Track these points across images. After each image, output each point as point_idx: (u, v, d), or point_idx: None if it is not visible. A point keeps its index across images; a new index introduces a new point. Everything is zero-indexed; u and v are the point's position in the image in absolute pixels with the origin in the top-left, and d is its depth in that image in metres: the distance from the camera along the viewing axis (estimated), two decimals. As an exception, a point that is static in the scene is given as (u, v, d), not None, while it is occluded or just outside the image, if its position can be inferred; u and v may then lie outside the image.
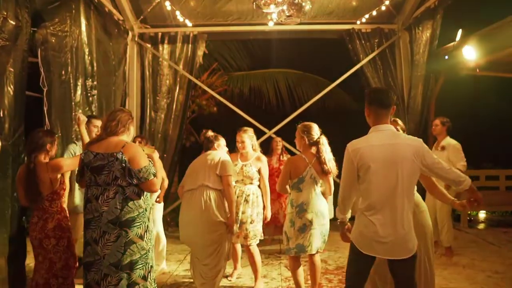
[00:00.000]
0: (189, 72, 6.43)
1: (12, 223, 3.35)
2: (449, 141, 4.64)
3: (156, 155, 2.87)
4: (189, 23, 6.26)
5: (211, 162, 3.46)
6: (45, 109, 3.99)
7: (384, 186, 2.24)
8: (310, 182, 3.30)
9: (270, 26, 5.88)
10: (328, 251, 4.98)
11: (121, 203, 2.46)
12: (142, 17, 6.35)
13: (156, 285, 2.68)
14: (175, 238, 5.27)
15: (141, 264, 2.52)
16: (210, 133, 4.04)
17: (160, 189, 2.79)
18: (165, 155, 6.20)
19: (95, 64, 5.01)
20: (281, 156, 5.61)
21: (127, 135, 2.68)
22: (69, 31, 4.39)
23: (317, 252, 3.36)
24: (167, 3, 5.85)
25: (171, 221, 6.46)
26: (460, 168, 4.29)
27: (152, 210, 3.03)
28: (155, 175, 2.56)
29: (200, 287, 3.44)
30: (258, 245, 3.91)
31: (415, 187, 2.38)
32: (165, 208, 4.84)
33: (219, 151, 3.65)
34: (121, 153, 2.47)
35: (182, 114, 6.45)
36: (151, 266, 2.60)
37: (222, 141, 3.76)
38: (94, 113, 4.78)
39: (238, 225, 3.79)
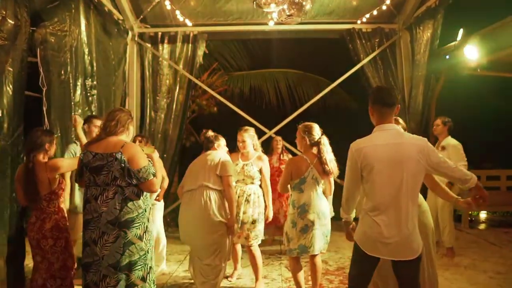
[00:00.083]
0: (189, 72, 6.42)
1: (11, 224, 3.33)
2: (449, 141, 4.62)
3: (156, 154, 2.86)
4: (189, 23, 6.25)
5: (211, 162, 3.44)
6: (44, 109, 3.98)
7: (388, 186, 2.21)
8: (311, 182, 3.28)
9: (271, 25, 5.86)
10: (328, 251, 4.95)
11: (120, 204, 2.45)
12: (142, 16, 6.33)
13: (155, 286, 2.67)
14: (175, 238, 5.25)
15: (140, 265, 2.51)
16: (210, 133, 4.02)
17: (160, 188, 2.77)
18: (165, 155, 6.18)
19: (94, 64, 4.99)
20: (281, 156, 5.60)
21: (127, 135, 2.66)
22: (69, 30, 4.37)
23: (320, 252, 3.34)
24: (167, 3, 5.84)
25: (171, 221, 6.44)
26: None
27: (152, 210, 3.02)
28: (154, 175, 2.54)
29: (200, 286, 3.42)
30: (258, 245, 3.89)
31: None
32: (165, 208, 4.82)
33: (219, 151, 3.63)
34: (120, 153, 2.45)
35: (182, 114, 6.44)
36: (150, 267, 2.58)
37: (222, 141, 3.74)
38: (93, 113, 4.76)
39: (239, 225, 3.78)
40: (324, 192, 3.43)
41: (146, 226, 2.56)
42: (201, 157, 3.59)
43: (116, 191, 2.45)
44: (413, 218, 2.25)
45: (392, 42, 6.41)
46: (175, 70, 6.43)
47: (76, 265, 3.06)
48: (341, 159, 3.52)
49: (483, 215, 7.57)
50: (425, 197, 3.04)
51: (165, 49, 6.46)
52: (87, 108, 4.77)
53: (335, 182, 3.76)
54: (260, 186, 3.98)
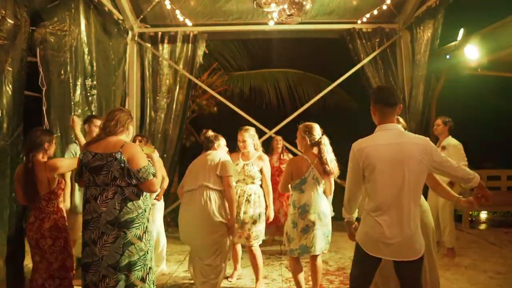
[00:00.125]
0: (189, 71, 6.41)
1: (11, 224, 3.33)
2: (449, 141, 4.61)
3: (155, 154, 2.85)
4: (189, 23, 6.24)
5: (211, 162, 3.43)
6: (44, 108, 3.97)
7: (390, 186, 2.20)
8: (312, 183, 3.28)
9: (271, 25, 5.85)
10: (329, 252, 4.91)
11: (120, 204, 2.44)
12: (142, 16, 6.32)
13: (155, 286, 2.66)
14: (175, 238, 5.24)
15: (140, 265, 2.50)
16: (210, 133, 4.01)
17: (159, 188, 2.77)
18: (165, 155, 6.17)
19: (94, 64, 4.98)
20: (281, 155, 5.59)
21: (126, 135, 2.65)
22: (68, 30, 4.37)
23: (321, 253, 3.33)
24: (167, 3, 5.83)
25: (171, 221, 6.44)
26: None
27: (152, 211, 3.01)
28: (154, 175, 2.53)
29: (201, 286, 3.42)
30: (259, 245, 3.88)
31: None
32: (165, 208, 4.81)
33: (219, 151, 3.62)
34: (120, 153, 2.44)
35: (182, 114, 6.43)
36: (150, 268, 2.57)
37: (222, 141, 3.73)
38: (93, 113, 4.75)
39: (240, 225, 3.77)
40: (324, 192, 3.43)
41: (146, 227, 2.55)
42: (201, 157, 3.58)
43: (116, 191, 2.45)
44: (415, 218, 2.23)
45: (393, 42, 6.40)
46: (175, 70, 6.42)
47: (76, 265, 3.05)
48: (341, 159, 3.51)
49: (483, 215, 7.56)
50: (425, 197, 3.03)
51: (165, 49, 6.45)
52: (87, 108, 4.76)
53: (335, 182, 3.75)
54: (261, 186, 3.97)
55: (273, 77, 10.40)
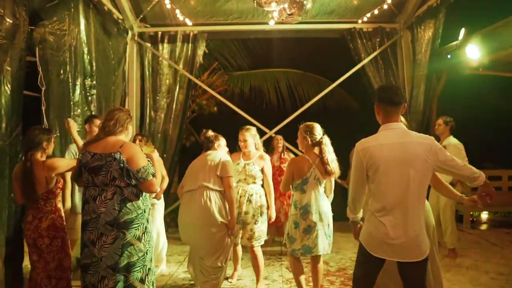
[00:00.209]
0: (189, 71, 6.39)
1: (9, 224, 3.31)
2: (450, 140, 4.59)
3: (155, 154, 2.83)
4: (189, 22, 6.22)
5: (211, 162, 3.41)
6: (43, 108, 3.94)
7: (395, 186, 2.17)
8: (313, 183, 3.26)
9: (271, 25, 5.84)
10: (329, 252, 4.93)
11: (119, 204, 2.42)
12: (141, 16, 6.30)
13: (155, 287, 2.64)
14: (175, 239, 5.23)
15: (139, 266, 2.48)
16: (210, 133, 4.00)
17: (159, 188, 2.75)
18: (165, 155, 6.16)
19: (94, 64, 4.96)
20: (282, 154, 5.57)
21: (126, 135, 2.64)
22: (68, 29, 4.34)
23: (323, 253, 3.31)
24: (167, 2, 5.81)
25: (170, 222, 6.41)
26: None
27: (152, 211, 2.99)
28: (154, 175, 2.51)
29: (201, 285, 3.40)
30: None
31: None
32: (165, 208, 4.79)
33: (220, 151, 3.60)
34: (119, 153, 2.42)
35: (182, 114, 6.41)
36: (149, 269, 2.55)
37: (222, 141, 3.71)
38: (93, 113, 4.74)
39: (241, 225, 3.75)
40: (324, 191, 3.41)
41: (145, 227, 2.53)
42: (201, 157, 3.56)
43: (115, 191, 2.43)
44: (420, 218, 2.20)
45: (393, 41, 6.38)
46: (175, 70, 6.40)
47: (76, 266, 3.04)
48: (341, 159, 3.49)
49: (484, 215, 7.53)
50: (426, 197, 3.01)
51: (165, 49, 6.43)
52: (86, 108, 4.74)
53: (336, 182, 3.73)
54: (262, 185, 3.95)
55: (273, 77, 10.38)
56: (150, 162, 2.57)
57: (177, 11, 6.03)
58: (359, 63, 6.34)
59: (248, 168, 3.84)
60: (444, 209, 4.57)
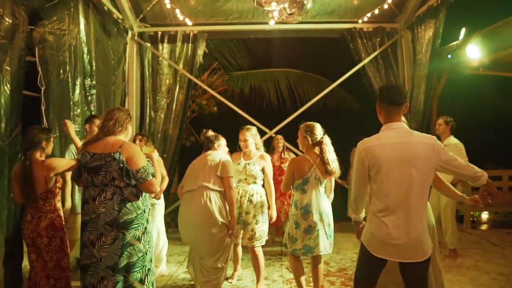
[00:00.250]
0: (189, 71, 6.38)
1: (9, 224, 3.30)
2: (450, 140, 4.58)
3: (155, 154, 2.82)
4: (189, 22, 6.21)
5: (211, 162, 3.40)
6: (42, 108, 3.93)
7: (397, 186, 2.16)
8: (314, 183, 3.25)
9: (271, 25, 5.82)
10: (330, 252, 4.93)
11: (118, 205, 2.41)
12: (141, 16, 6.29)
13: (154, 288, 2.63)
14: (175, 239, 5.22)
15: (139, 267, 2.47)
16: (210, 133, 3.98)
17: (159, 188, 2.74)
18: (165, 155, 6.15)
19: (94, 63, 4.96)
20: (282, 154, 5.56)
21: (125, 135, 2.63)
22: (68, 29, 4.33)
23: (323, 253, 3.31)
24: (167, 2, 5.79)
25: (170, 222, 6.40)
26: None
27: (152, 211, 2.98)
28: (153, 175, 2.50)
29: (202, 285, 3.39)
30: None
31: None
32: (165, 208, 4.78)
33: (220, 151, 3.59)
34: (118, 153, 2.41)
35: (182, 114, 6.40)
36: (149, 269, 2.55)
37: (222, 141, 3.70)
38: (93, 113, 4.73)
39: (242, 225, 3.73)
40: (324, 191, 3.40)
41: (145, 228, 2.53)
42: (201, 157, 3.56)
43: (115, 191, 2.42)
44: (423, 218, 2.19)
45: (394, 41, 6.37)
46: (175, 70, 6.39)
47: (75, 266, 3.03)
48: (342, 159, 3.48)
49: (485, 215, 7.52)
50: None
51: (165, 49, 6.42)
52: (86, 108, 4.73)
53: (336, 182, 3.72)
54: (263, 185, 3.94)
55: (273, 77, 10.36)
56: (149, 162, 2.57)
57: (177, 11, 6.02)
58: (359, 63, 6.33)
59: (248, 168, 3.83)
60: (445, 209, 4.56)
